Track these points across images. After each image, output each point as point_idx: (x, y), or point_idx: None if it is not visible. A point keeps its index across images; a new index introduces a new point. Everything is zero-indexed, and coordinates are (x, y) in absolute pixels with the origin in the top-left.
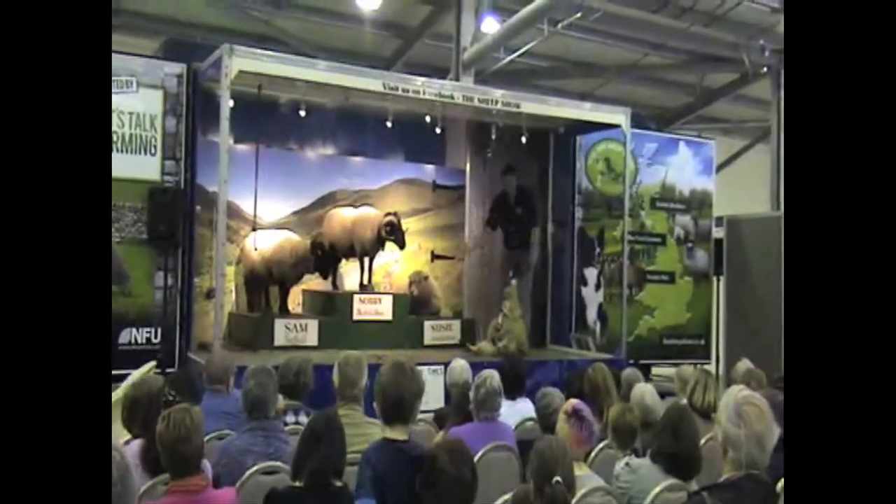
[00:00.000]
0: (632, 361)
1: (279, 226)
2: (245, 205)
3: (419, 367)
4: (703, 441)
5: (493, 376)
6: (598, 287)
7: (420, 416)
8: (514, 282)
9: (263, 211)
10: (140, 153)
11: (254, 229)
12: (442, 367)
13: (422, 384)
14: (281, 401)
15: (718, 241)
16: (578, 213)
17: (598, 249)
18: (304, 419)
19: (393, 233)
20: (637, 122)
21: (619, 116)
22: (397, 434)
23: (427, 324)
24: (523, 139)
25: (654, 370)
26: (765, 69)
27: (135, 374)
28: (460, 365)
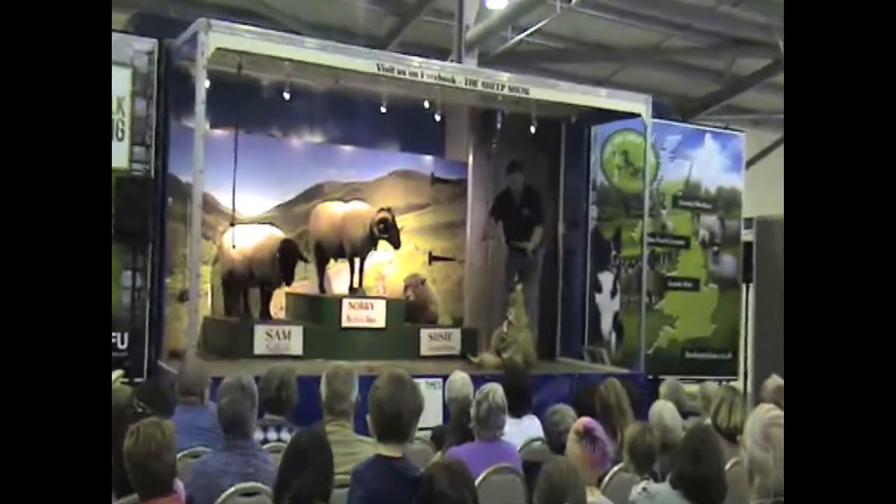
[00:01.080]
0: (651, 376)
1: (261, 221)
2: (223, 197)
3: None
4: (727, 466)
5: (496, 391)
6: (613, 294)
7: (416, 434)
8: (519, 287)
9: (243, 204)
10: None
11: (232, 224)
12: (440, 380)
13: (421, 399)
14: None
15: (748, 245)
16: (593, 211)
17: (614, 252)
18: (286, 436)
19: (386, 231)
20: (658, 111)
21: (638, 105)
22: (392, 451)
23: (424, 332)
24: (532, 129)
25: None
26: None
27: None
28: (461, 378)
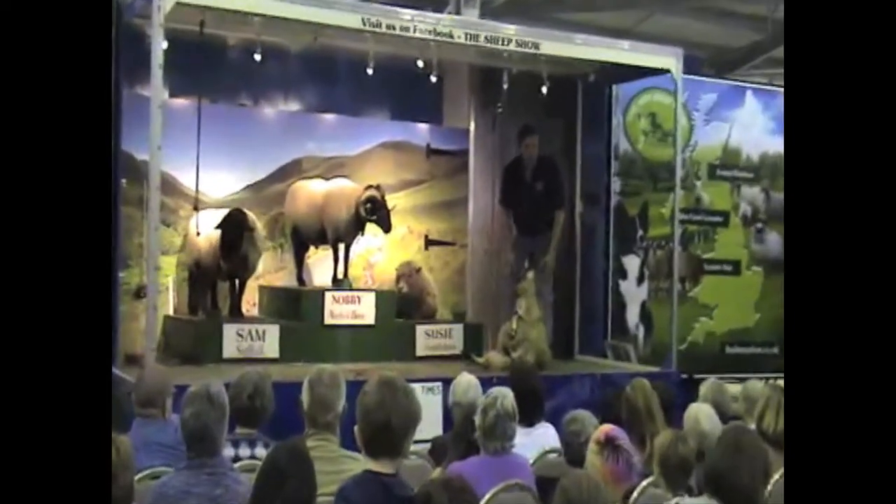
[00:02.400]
0: (684, 375)
1: (229, 204)
2: (185, 177)
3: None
4: (774, 477)
5: (504, 396)
6: (640, 280)
7: (413, 447)
8: (530, 274)
9: (209, 185)
10: None
11: (195, 209)
12: (439, 384)
13: (417, 407)
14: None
15: None
16: (615, 184)
17: (640, 232)
18: (261, 452)
19: (375, 211)
20: (691, 66)
21: (667, 59)
22: (383, 467)
23: (420, 329)
24: (543, 90)
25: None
26: None
27: None
28: (467, 381)
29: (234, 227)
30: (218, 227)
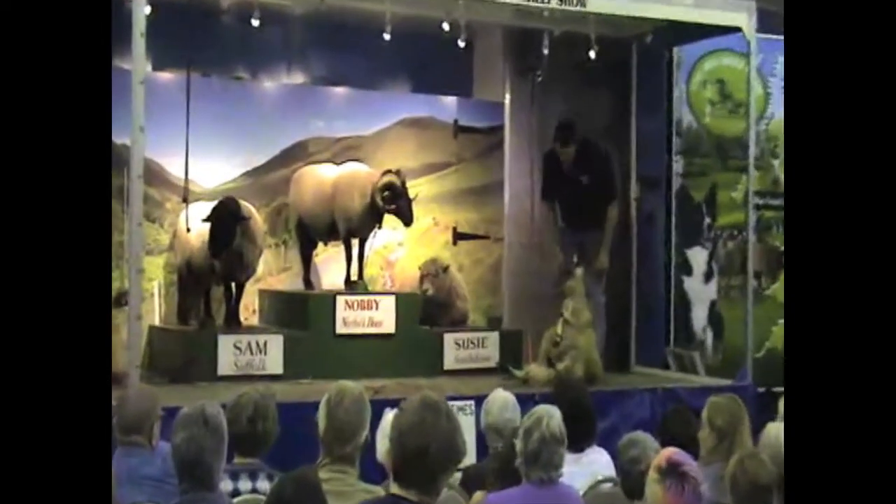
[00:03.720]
0: (762, 388)
1: (224, 194)
2: (172, 164)
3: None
4: None
5: (550, 416)
6: (708, 277)
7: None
8: (579, 271)
9: (200, 172)
10: None
11: (184, 200)
12: (472, 403)
13: (462, 440)
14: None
15: None
16: (677, 165)
17: (707, 220)
18: (264, 485)
19: (394, 200)
20: (767, 23)
21: (738, 15)
22: (410, 496)
23: (449, 338)
24: (591, 54)
25: None
26: None
27: None
28: (502, 399)
29: (225, 218)
30: (206, 219)
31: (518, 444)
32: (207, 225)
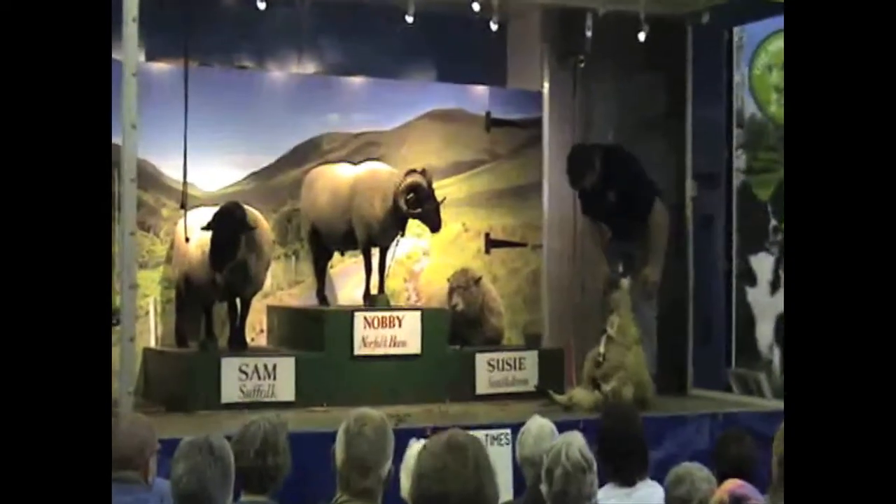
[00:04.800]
0: None
1: (227, 199)
2: (169, 165)
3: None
4: None
5: (569, 444)
6: (774, 287)
7: None
8: (625, 282)
9: (200, 175)
10: None
11: (183, 207)
12: (507, 431)
13: (493, 489)
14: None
15: None
16: (739, 160)
17: (773, 222)
18: None
19: (419, 204)
20: None
21: None
22: None
23: (481, 359)
24: (641, 36)
25: None
26: None
27: None
28: (538, 428)
29: (228, 227)
30: (207, 227)
31: (543, 487)
32: (209, 234)
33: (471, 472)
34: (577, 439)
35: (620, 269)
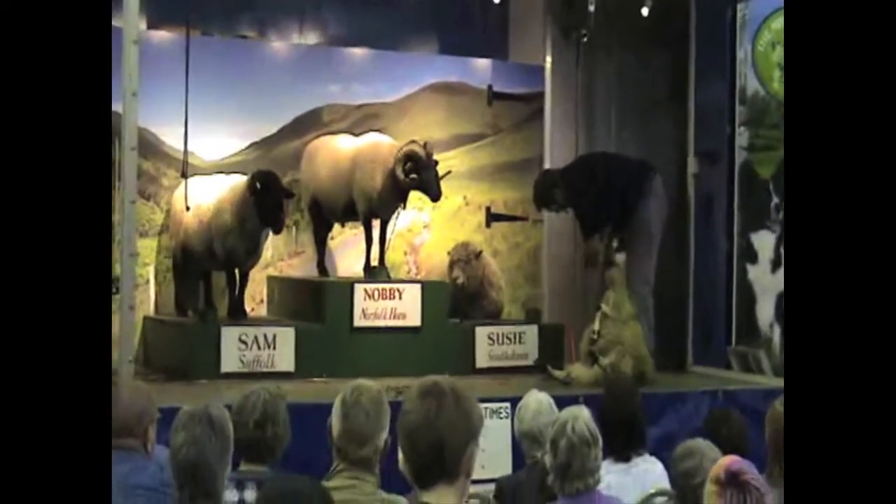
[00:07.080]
0: None
1: (228, 168)
2: (169, 134)
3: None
4: None
5: (575, 417)
6: (775, 265)
7: (473, 488)
8: (620, 258)
9: (200, 144)
10: None
11: (183, 175)
12: (507, 405)
13: (475, 418)
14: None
15: None
16: (741, 137)
17: (775, 200)
18: None
19: (417, 171)
20: None
21: None
22: (441, 498)
23: (481, 332)
24: (644, 11)
25: None
26: None
27: None
28: (535, 402)
29: (276, 191)
30: (253, 192)
31: (547, 458)
32: (206, 203)
33: (450, 408)
34: (583, 413)
35: (615, 244)
